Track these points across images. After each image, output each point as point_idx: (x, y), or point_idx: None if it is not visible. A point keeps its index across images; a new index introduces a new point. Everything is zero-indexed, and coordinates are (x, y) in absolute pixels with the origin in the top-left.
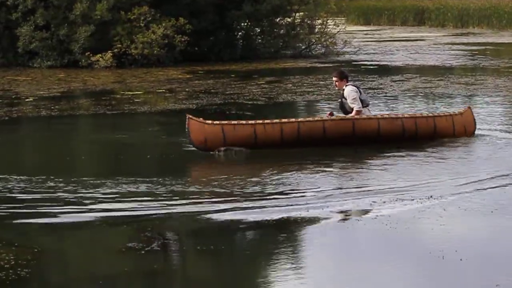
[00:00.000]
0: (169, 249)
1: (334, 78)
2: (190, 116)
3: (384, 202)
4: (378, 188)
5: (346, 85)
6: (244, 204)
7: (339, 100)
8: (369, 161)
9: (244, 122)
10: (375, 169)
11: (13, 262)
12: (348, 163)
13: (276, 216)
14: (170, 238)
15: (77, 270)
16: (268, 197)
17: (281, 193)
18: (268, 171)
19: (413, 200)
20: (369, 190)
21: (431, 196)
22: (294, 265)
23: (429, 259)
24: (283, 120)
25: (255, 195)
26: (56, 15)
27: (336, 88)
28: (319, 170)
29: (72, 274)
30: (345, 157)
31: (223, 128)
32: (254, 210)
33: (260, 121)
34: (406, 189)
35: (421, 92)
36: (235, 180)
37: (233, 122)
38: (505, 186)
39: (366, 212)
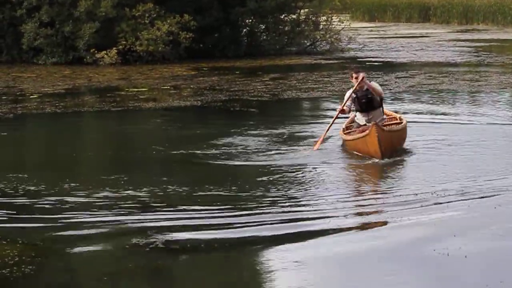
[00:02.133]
0: (172, 247)
1: (363, 75)
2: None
3: (387, 200)
4: (382, 188)
5: (369, 81)
6: (248, 207)
7: (368, 96)
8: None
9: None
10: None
11: (17, 259)
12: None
13: (280, 217)
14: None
15: (81, 267)
16: (273, 202)
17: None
18: (271, 175)
19: (416, 196)
20: (374, 191)
21: (433, 193)
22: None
23: (434, 256)
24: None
25: (260, 198)
26: (61, 11)
27: (354, 84)
28: (325, 175)
29: (76, 271)
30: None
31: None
32: (256, 212)
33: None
34: (409, 188)
35: (426, 89)
36: (243, 183)
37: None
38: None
39: (369, 211)
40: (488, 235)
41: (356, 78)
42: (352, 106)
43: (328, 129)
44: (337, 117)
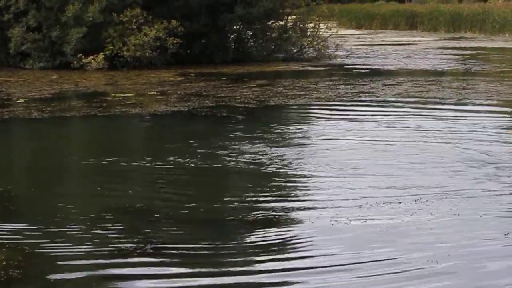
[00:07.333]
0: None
1: None
2: None
3: (372, 206)
4: (367, 194)
5: None
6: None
7: None
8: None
9: None
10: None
11: (4, 263)
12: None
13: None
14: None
15: (69, 271)
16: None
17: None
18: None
19: (400, 203)
20: (357, 199)
21: (418, 200)
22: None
23: (423, 263)
24: None
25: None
26: (48, 16)
27: None
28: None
29: (64, 274)
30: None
31: None
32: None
33: None
34: (395, 194)
35: (413, 96)
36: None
37: None
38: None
39: (355, 217)
40: (475, 242)
41: None
42: None
43: None
44: None
